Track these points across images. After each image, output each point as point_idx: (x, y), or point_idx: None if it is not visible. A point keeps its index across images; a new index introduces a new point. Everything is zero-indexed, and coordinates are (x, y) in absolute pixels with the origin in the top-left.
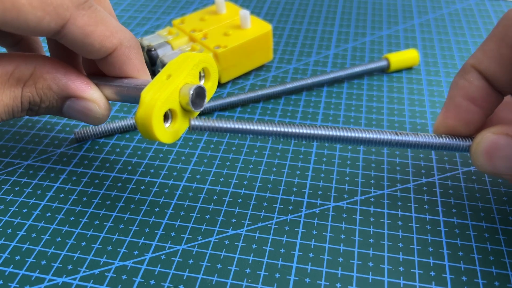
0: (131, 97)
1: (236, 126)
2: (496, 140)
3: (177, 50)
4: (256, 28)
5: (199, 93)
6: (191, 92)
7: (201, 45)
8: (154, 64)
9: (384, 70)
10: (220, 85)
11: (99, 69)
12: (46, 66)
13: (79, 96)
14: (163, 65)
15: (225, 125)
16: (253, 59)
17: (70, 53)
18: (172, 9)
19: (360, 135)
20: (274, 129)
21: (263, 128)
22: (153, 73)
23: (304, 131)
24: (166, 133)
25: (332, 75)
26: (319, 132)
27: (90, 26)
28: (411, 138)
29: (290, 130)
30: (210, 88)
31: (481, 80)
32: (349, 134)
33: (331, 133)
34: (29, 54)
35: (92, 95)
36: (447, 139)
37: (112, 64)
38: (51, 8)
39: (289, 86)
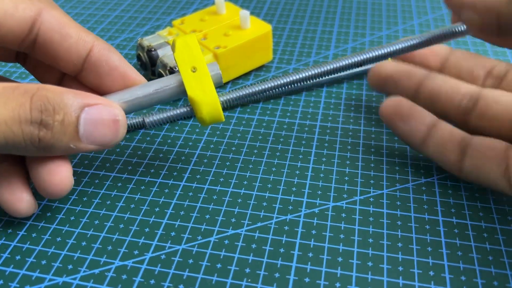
0: (138, 103)
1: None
2: None
3: None
4: (256, 28)
5: None
6: (219, 71)
7: (201, 46)
8: (154, 65)
9: None
10: (220, 85)
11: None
12: (48, 84)
13: (94, 103)
14: (163, 65)
15: (243, 92)
16: (253, 59)
17: None
18: (172, 10)
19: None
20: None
21: (255, 89)
22: (153, 73)
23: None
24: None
25: (332, 75)
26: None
27: (65, 17)
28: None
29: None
30: None
31: None
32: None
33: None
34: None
35: (104, 100)
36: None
37: (98, 61)
38: None
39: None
